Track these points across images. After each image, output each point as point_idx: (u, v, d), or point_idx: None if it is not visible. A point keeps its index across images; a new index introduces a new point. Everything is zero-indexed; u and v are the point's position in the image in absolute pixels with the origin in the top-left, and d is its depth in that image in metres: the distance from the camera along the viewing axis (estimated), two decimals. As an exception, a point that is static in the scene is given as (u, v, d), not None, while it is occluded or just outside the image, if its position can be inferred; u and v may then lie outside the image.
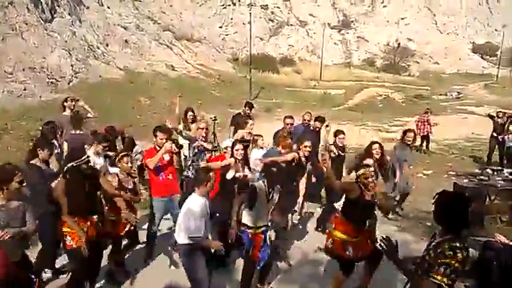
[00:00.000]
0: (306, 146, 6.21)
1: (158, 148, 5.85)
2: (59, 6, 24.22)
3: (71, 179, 4.45)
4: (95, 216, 4.60)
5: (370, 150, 6.52)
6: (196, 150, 6.74)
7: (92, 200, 4.65)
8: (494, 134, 12.11)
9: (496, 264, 4.15)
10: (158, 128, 6.12)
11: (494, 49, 55.50)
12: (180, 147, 6.55)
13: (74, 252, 4.43)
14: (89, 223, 4.51)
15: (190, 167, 6.71)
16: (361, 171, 4.64)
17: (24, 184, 3.93)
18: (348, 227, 4.58)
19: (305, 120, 8.78)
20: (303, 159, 6.24)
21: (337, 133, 7.34)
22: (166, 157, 5.93)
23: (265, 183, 4.84)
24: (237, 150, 5.80)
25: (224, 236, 5.84)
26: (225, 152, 6.32)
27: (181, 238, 4.40)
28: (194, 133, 7.03)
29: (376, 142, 6.74)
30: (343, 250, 4.60)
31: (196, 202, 4.39)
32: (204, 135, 6.85)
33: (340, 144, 7.19)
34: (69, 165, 4.49)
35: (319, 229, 7.09)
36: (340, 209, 4.95)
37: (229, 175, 5.66)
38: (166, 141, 5.86)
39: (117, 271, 5.42)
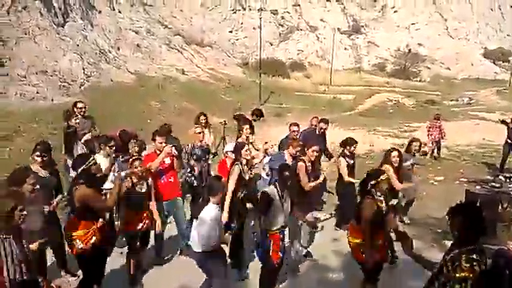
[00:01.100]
0: (314, 151, 6.17)
1: (158, 152, 5.87)
2: (71, 11, 24.54)
3: (86, 181, 4.47)
4: (100, 220, 4.61)
5: (389, 157, 6.41)
6: (195, 157, 6.65)
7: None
8: (509, 141, 11.92)
9: (508, 272, 4.09)
10: (156, 132, 6.15)
11: (506, 55, 55.03)
12: (180, 151, 6.54)
13: (85, 254, 4.45)
14: (95, 227, 4.50)
15: (189, 173, 6.61)
16: (374, 181, 4.58)
17: (37, 187, 3.92)
18: (362, 233, 4.57)
19: (313, 125, 8.79)
20: (309, 163, 6.18)
21: (348, 142, 7.21)
22: (167, 160, 5.95)
23: (278, 187, 4.84)
24: (246, 151, 5.79)
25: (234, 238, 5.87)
26: (226, 157, 6.29)
27: (196, 246, 4.47)
28: (192, 138, 6.94)
29: (395, 149, 6.61)
30: (361, 253, 4.62)
31: (211, 211, 4.42)
32: (200, 140, 6.76)
33: (349, 153, 7.11)
34: (80, 170, 4.53)
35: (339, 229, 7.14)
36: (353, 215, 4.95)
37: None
38: (165, 145, 5.88)
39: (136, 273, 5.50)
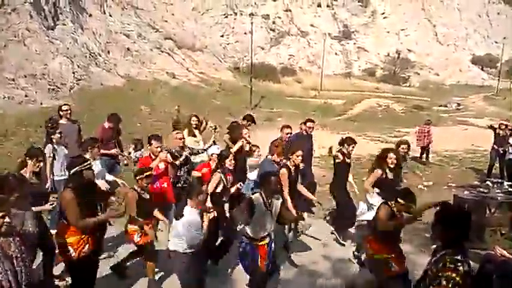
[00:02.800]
0: (298, 156, 6.07)
1: (153, 157, 5.83)
2: (61, 14, 24.38)
3: (76, 186, 4.39)
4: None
5: (385, 158, 6.13)
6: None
7: (92, 208, 4.58)
8: (495, 146, 12.04)
9: (496, 277, 4.14)
10: (153, 137, 6.11)
11: (494, 61, 55.82)
12: (175, 157, 6.51)
13: (76, 262, 4.39)
14: (85, 235, 4.42)
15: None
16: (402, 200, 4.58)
17: (18, 195, 3.86)
18: (385, 247, 4.61)
19: (302, 129, 8.73)
20: (292, 168, 6.08)
21: (347, 141, 7.14)
22: (162, 166, 5.92)
23: (263, 193, 4.70)
24: (230, 160, 5.79)
25: (213, 241, 5.78)
26: (211, 159, 6.27)
27: (181, 247, 4.47)
28: (173, 143, 6.94)
29: (391, 150, 6.35)
30: (388, 268, 4.60)
31: (192, 214, 4.49)
32: (181, 145, 6.78)
33: (347, 152, 7.03)
34: (74, 170, 4.46)
35: (338, 240, 7.07)
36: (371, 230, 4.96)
37: (218, 189, 5.66)
38: (161, 150, 5.85)
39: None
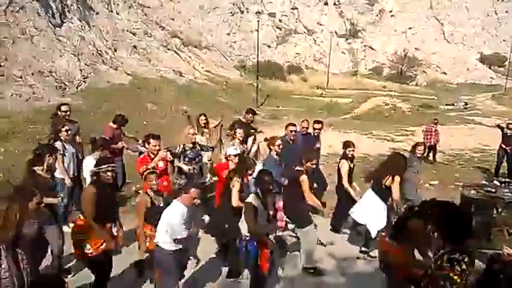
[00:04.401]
0: (312, 164, 5.98)
1: (152, 155, 5.82)
2: (69, 12, 24.47)
3: (97, 185, 4.47)
4: (108, 225, 4.57)
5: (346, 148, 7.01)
6: (187, 159, 6.67)
7: (111, 207, 4.64)
8: (503, 146, 11.98)
9: (503, 277, 4.11)
10: (151, 135, 6.08)
11: (502, 60, 55.40)
12: (175, 155, 6.51)
13: (94, 259, 4.44)
14: (106, 232, 4.49)
15: (183, 175, 6.64)
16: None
17: (43, 205, 3.87)
18: (400, 251, 4.41)
19: (303, 128, 8.72)
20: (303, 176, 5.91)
21: (346, 144, 7.21)
22: (161, 164, 5.91)
23: (259, 195, 4.67)
24: (252, 171, 5.60)
25: (226, 246, 5.70)
26: (228, 160, 6.26)
27: (158, 238, 4.40)
28: (185, 139, 6.95)
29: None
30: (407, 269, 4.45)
31: (171, 208, 4.35)
32: (193, 141, 6.81)
33: (350, 156, 7.10)
34: (94, 169, 4.52)
35: (333, 230, 7.26)
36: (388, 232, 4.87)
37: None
38: (160, 149, 5.85)
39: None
